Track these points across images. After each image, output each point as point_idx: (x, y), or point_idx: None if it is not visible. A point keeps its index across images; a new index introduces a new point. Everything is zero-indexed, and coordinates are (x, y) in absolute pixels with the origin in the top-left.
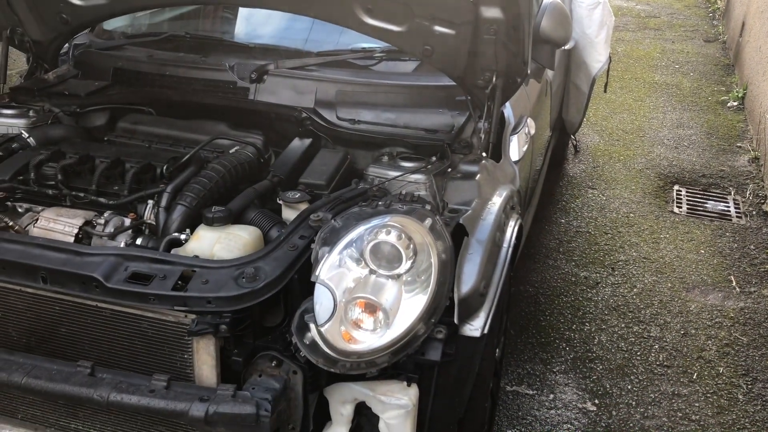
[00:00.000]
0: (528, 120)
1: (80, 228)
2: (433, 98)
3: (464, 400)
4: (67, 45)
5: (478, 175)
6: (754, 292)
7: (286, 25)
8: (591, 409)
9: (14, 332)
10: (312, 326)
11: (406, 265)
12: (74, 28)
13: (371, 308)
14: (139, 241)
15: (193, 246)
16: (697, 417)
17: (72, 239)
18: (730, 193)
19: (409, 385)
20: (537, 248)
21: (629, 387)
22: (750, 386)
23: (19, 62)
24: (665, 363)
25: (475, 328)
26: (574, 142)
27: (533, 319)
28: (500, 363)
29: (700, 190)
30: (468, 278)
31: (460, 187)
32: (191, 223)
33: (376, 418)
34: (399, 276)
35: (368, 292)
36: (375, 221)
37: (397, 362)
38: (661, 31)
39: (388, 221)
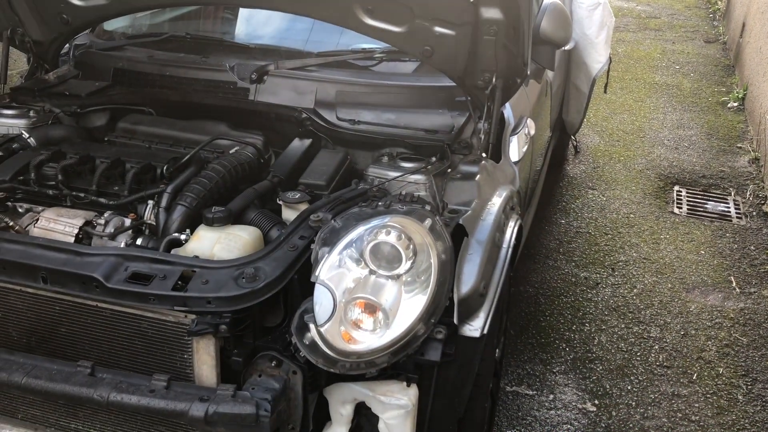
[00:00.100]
0: (528, 121)
1: (80, 228)
2: (433, 99)
3: (464, 400)
4: (67, 45)
5: (478, 176)
6: (754, 292)
7: (286, 26)
8: (591, 409)
9: (14, 332)
10: (312, 326)
11: (405, 265)
12: (75, 28)
13: (371, 308)
14: (139, 242)
15: (193, 246)
16: (697, 418)
17: (72, 239)
18: (730, 194)
19: (408, 386)
20: (537, 249)
21: (629, 387)
22: (750, 387)
23: (19, 62)
24: (665, 363)
25: (474, 328)
26: (575, 142)
27: (533, 320)
28: (500, 363)
29: (700, 191)
30: (468, 278)
31: (460, 188)
32: (191, 223)
33: (376, 418)
34: (399, 276)
35: (368, 292)
36: (375, 221)
37: (397, 362)
38: (662, 31)
39: (388, 221)
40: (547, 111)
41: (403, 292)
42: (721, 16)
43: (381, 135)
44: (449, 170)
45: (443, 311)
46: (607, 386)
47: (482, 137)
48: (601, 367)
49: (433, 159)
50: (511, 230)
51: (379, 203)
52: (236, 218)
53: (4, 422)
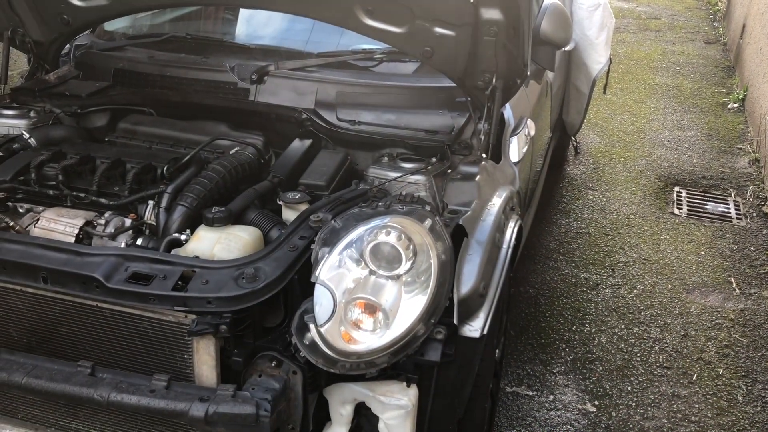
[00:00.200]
0: (528, 121)
1: (81, 228)
2: (433, 99)
3: (464, 400)
4: (68, 46)
5: (478, 176)
6: (755, 293)
7: (286, 27)
8: (591, 410)
9: (15, 332)
10: (312, 327)
11: (405, 265)
12: (75, 29)
13: (371, 309)
14: (139, 242)
15: (194, 246)
16: (697, 418)
17: (73, 239)
18: (730, 195)
19: (408, 386)
20: (537, 249)
21: (629, 388)
22: (750, 388)
23: (20, 63)
24: (665, 364)
25: (474, 328)
26: (575, 143)
27: (533, 320)
28: (500, 364)
29: (700, 192)
30: (467, 279)
31: (460, 188)
32: (191, 223)
33: (376, 418)
34: (399, 277)
35: (368, 292)
36: (375, 222)
37: (397, 363)
38: (662, 32)
39: (388, 222)
40: (547, 112)
41: (403, 293)
42: (722, 17)
43: (381, 135)
44: (449, 171)
45: (443, 311)
46: (607, 387)
47: (482, 138)
48: (601, 368)
49: (433, 160)
50: (511, 231)
51: (379, 204)
52: (236, 218)
53: (5, 422)
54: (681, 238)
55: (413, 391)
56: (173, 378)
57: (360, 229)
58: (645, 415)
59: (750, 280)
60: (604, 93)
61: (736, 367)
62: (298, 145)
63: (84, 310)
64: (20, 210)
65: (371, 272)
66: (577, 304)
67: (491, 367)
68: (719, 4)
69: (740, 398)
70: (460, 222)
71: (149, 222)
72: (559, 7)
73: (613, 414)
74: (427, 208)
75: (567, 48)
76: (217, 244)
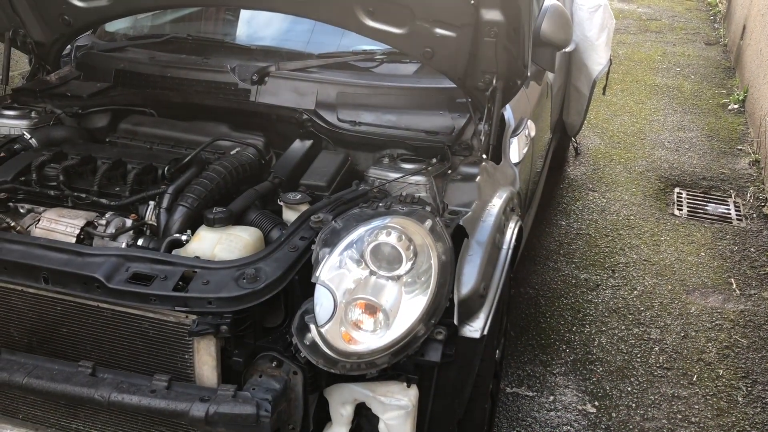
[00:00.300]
0: (528, 122)
1: (82, 229)
2: (434, 100)
3: (464, 401)
4: (69, 46)
5: (478, 177)
6: (755, 294)
7: (287, 27)
8: (591, 411)
9: (16, 332)
10: (312, 327)
11: (406, 266)
12: (76, 29)
13: (371, 309)
14: (140, 242)
15: (194, 247)
16: (697, 419)
17: (73, 240)
18: (730, 196)
19: (408, 386)
20: (537, 250)
21: (629, 389)
22: (750, 389)
23: (21, 63)
24: (665, 365)
25: (474, 329)
26: (575, 144)
27: (533, 321)
28: (500, 364)
29: (700, 193)
30: (468, 279)
31: (461, 189)
32: (192, 224)
33: (376, 418)
34: (399, 277)
35: (368, 293)
36: (375, 222)
37: (397, 363)
38: (662, 33)
39: (389, 222)
40: (547, 113)
41: (404, 293)
42: (722, 18)
43: (382, 136)
44: (450, 171)
45: (443, 312)
46: (607, 388)
47: (483, 139)
48: (601, 369)
49: (434, 160)
50: (511, 231)
51: (380, 204)
52: (237, 219)
53: (6, 422)
54: (681, 239)
55: (413, 392)
56: (174, 378)
57: (360, 230)
58: (645, 416)
59: (750, 281)
60: (604, 94)
61: (736, 368)
62: (299, 146)
63: (85, 310)
64: (21, 210)
65: (372, 273)
66: (578, 305)
67: (491, 368)
68: (719, 5)
69: (740, 399)
70: (461, 223)
71: (150, 222)
72: (559, 8)
73: (613, 415)
74: (428, 208)
75: (567, 49)
76: (218, 244)
